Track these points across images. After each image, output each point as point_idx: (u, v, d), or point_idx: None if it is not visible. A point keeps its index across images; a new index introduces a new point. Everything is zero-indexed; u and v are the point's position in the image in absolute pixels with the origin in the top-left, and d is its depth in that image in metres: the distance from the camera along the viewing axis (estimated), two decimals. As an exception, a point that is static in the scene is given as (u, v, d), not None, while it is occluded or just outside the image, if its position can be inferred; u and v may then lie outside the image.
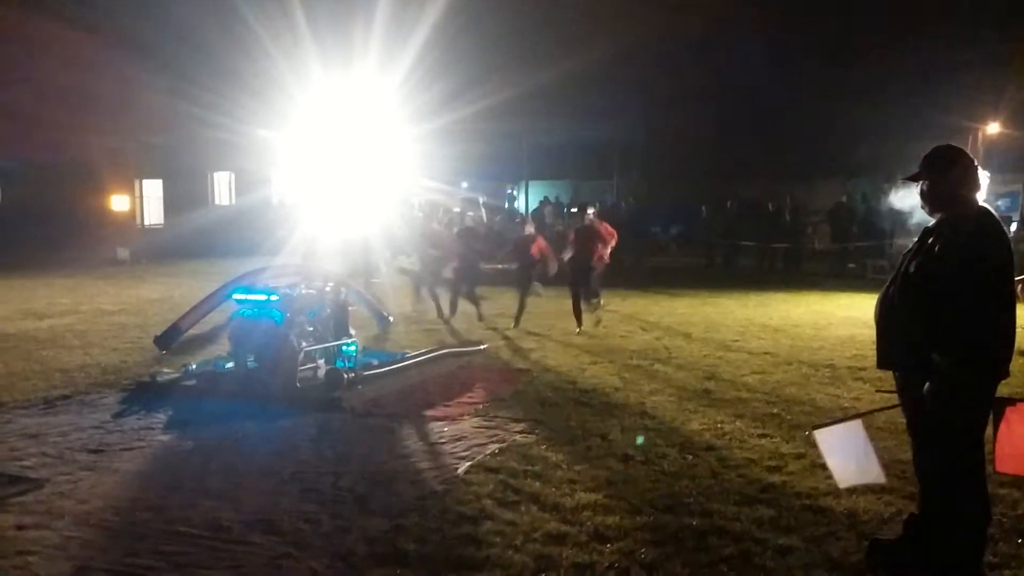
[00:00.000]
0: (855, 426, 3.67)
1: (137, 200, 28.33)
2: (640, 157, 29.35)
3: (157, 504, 4.40)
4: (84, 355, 8.52)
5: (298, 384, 6.58)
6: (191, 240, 22.67)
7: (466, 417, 6.05)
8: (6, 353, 8.63)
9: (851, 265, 18.79)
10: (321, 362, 6.95)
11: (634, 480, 4.68)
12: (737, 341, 9.33)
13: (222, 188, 27.83)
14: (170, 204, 27.42)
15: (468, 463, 4.99)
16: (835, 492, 4.24)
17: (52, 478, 4.75)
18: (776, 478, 4.70)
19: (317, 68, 19.82)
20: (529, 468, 4.85)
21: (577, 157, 29.40)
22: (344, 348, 7.04)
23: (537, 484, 4.59)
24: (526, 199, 30.34)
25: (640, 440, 5.32)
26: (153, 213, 28.32)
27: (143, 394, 6.77)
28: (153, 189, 28.35)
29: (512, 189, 31.83)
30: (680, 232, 23.77)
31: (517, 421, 5.91)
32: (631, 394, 6.74)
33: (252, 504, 4.37)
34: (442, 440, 5.52)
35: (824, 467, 4.11)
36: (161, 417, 6.08)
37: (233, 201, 27.15)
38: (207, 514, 4.22)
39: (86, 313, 12.10)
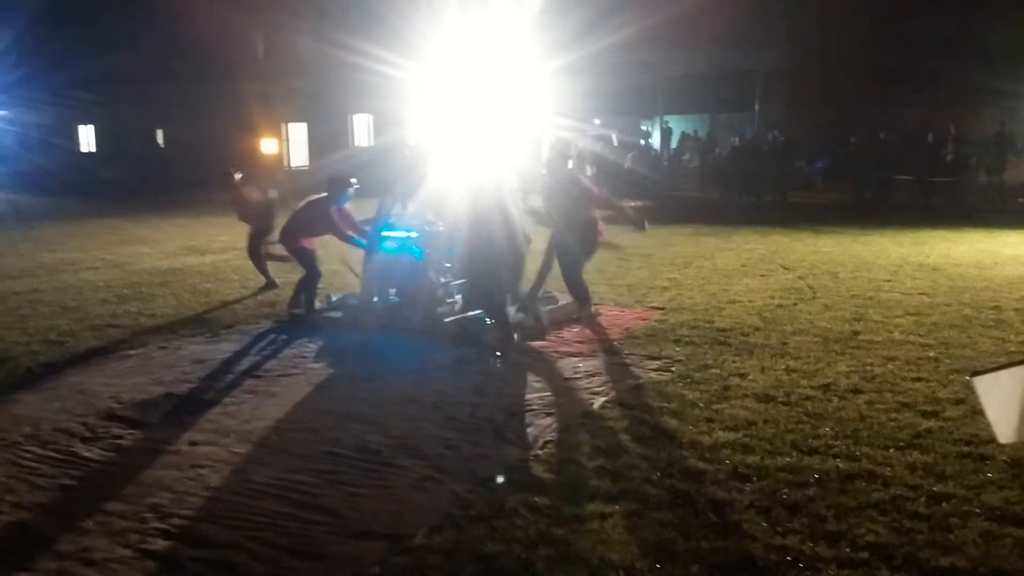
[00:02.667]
0: (1021, 373, 3.39)
1: (284, 143, 29.64)
2: (783, 86, 27.75)
3: (311, 426, 4.69)
4: (242, 288, 9.12)
5: (437, 318, 6.77)
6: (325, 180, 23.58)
7: (600, 354, 6.06)
8: (174, 286, 9.34)
9: (1021, 199, 17.30)
10: (459, 297, 7.10)
11: (775, 421, 4.55)
12: (889, 281, 8.80)
13: (361, 130, 28.65)
14: (314, 146, 28.55)
15: (603, 398, 5.01)
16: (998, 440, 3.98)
17: (219, 400, 5.15)
18: (931, 423, 4.45)
19: (452, 4, 19.80)
20: (665, 405, 4.82)
21: (715, 88, 28.17)
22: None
23: (673, 422, 4.56)
24: (661, 134, 29.51)
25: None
26: (299, 155, 29.57)
27: (295, 325, 7.18)
28: (298, 132, 29.55)
29: (647, 125, 30.99)
30: (827, 166, 22.50)
31: (652, 359, 5.86)
32: (772, 334, 6.52)
33: (396, 429, 4.58)
34: (576, 375, 5.56)
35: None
36: (312, 347, 6.43)
37: (372, 142, 27.93)
38: (356, 437, 4.46)
39: (242, 250, 12.87)
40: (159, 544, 3.32)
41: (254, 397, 5.23)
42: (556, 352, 6.15)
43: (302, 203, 7.97)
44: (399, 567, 3.15)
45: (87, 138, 33.87)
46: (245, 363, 6.02)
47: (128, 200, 22.62)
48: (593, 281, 8.90)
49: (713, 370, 5.53)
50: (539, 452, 4.19)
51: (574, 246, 6.87)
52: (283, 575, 3.11)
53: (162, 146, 31.25)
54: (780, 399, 4.91)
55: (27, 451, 4.33)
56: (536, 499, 3.64)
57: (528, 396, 5.14)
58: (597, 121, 26.27)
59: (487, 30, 19.89)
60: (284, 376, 5.69)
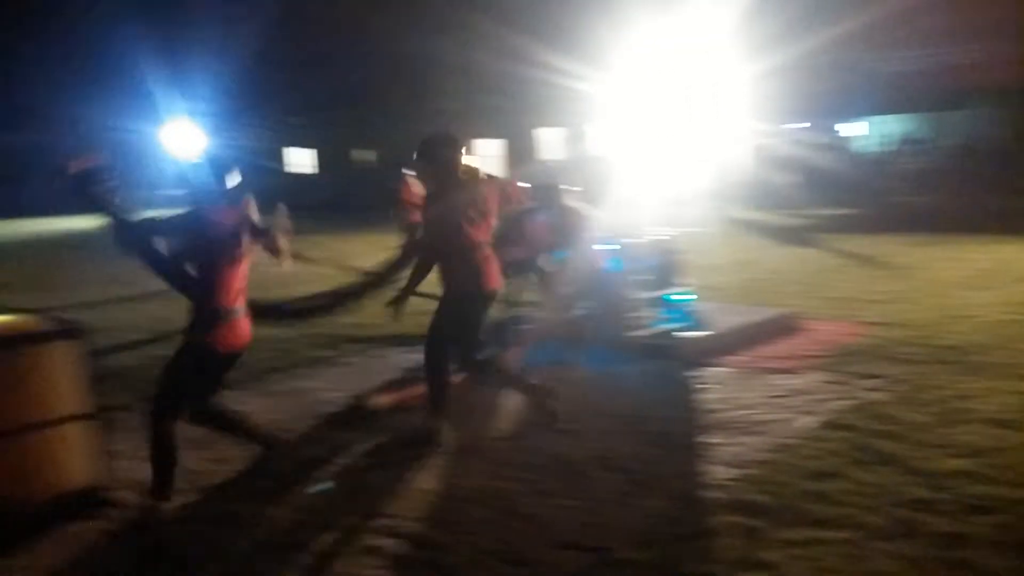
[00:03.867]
0: None
1: (475, 158, 30.77)
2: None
3: (511, 436, 4.80)
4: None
5: (629, 332, 6.72)
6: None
7: (809, 370, 5.75)
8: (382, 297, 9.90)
9: None
10: (652, 311, 7.01)
11: (1012, 448, 4.11)
12: None
13: (549, 143, 29.15)
14: (503, 161, 29.40)
15: (816, 418, 4.74)
16: None
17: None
18: None
19: (640, 12, 19.67)
20: (884, 428, 4.48)
21: (929, 86, 25.97)
22: (674, 297, 7.02)
23: (894, 445, 4.23)
24: (870, 136, 27.58)
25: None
26: (492, 170, 30.58)
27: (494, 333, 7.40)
28: (488, 148, 30.58)
29: (846, 125, 29.06)
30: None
31: (868, 377, 5.48)
32: (1004, 353, 5.90)
33: (594, 442, 4.58)
34: (783, 393, 5.30)
35: None
36: (509, 360, 6.57)
37: (556, 156, 28.33)
38: (554, 447, 4.51)
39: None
40: (380, 541, 3.52)
41: (455, 405, 5.42)
42: (760, 368, 5.90)
43: (507, 215, 8.13)
44: (604, 580, 3.14)
45: (304, 160, 36.89)
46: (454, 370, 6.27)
47: (341, 218, 24.35)
48: (801, 293, 8.50)
49: (937, 391, 5.09)
50: (747, 472, 4.03)
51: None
52: (491, 580, 3.20)
53: (358, 166, 33.39)
54: (1017, 425, 4.43)
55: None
56: (744, 520, 3.51)
57: (731, 414, 4.96)
58: (806, 124, 24.86)
59: (680, 37, 19.55)
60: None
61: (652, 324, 6.94)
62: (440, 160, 4.72)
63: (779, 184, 19.27)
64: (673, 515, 3.65)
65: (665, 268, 7.31)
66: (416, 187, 9.90)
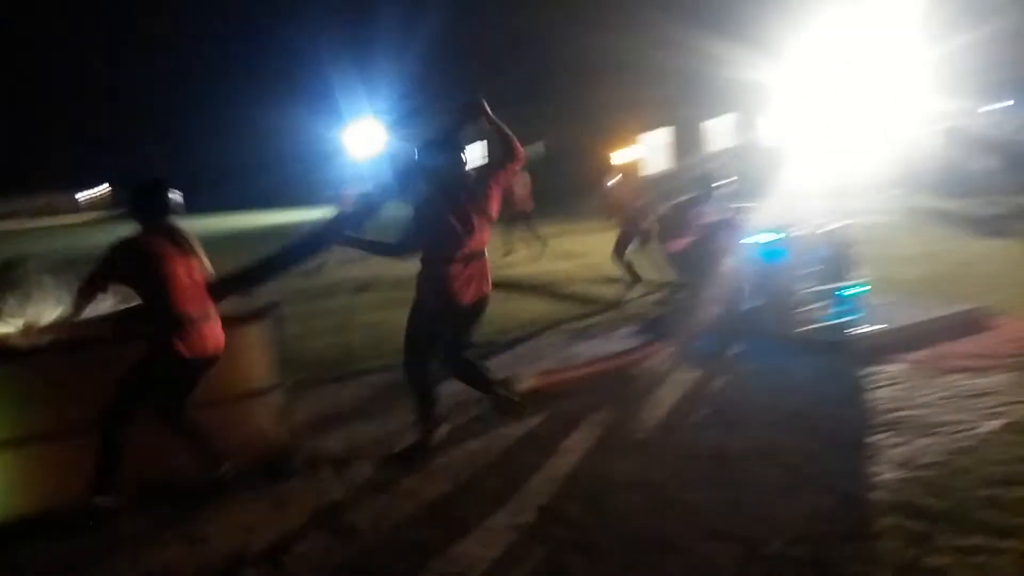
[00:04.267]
0: None
1: (643, 149, 30.41)
2: None
3: (667, 426, 4.78)
4: (607, 290, 9.55)
5: (799, 326, 6.46)
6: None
7: (997, 370, 5.29)
8: (545, 289, 10.10)
9: None
10: (822, 304, 6.70)
11: None
12: None
13: (716, 134, 28.35)
14: (672, 151, 28.88)
15: (1001, 421, 4.37)
16: None
17: (574, 392, 5.45)
18: None
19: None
20: (1085, 434, 4.08)
21: None
22: (846, 291, 6.68)
23: (1095, 454, 3.84)
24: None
25: None
26: (658, 161, 30.12)
27: (652, 326, 7.36)
28: (655, 139, 30.14)
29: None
30: None
31: (1066, 378, 4.98)
32: None
33: (753, 436, 4.47)
34: (966, 393, 4.91)
35: None
36: (673, 350, 6.51)
37: (730, 144, 27.48)
38: (711, 440, 4.45)
39: (605, 254, 13.52)
40: (529, 518, 3.63)
41: (611, 393, 5.47)
42: (942, 367, 5.50)
43: (668, 206, 8.10)
44: (754, 572, 3.08)
45: (476, 155, 38.02)
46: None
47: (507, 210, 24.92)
48: (994, 287, 7.81)
49: None
50: (916, 474, 3.80)
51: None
52: (638, 563, 3.22)
53: (544, 157, 33.91)
54: None
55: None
56: (909, 523, 3.32)
57: (906, 413, 4.67)
58: (1009, 102, 22.47)
59: (861, 13, 18.40)
60: (641, 375, 5.86)
61: (823, 318, 6.64)
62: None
63: (973, 169, 17.67)
64: (834, 513, 3.51)
65: (838, 260, 6.96)
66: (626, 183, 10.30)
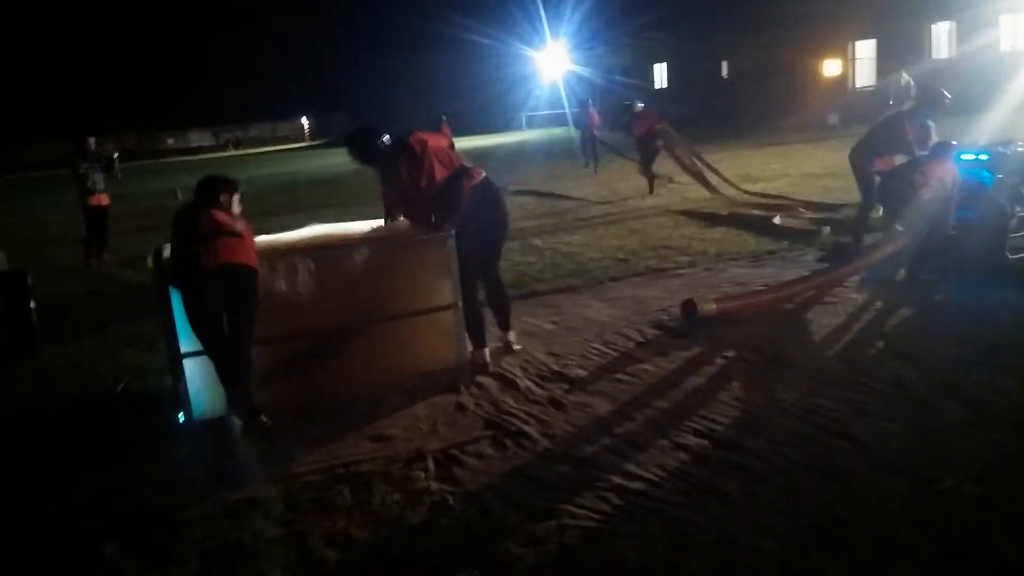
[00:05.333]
0: None
1: (849, 63, 28.15)
2: None
3: (844, 355, 4.64)
4: (786, 216, 9.17)
5: (1007, 253, 5.93)
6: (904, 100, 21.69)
7: None
8: (725, 216, 9.84)
9: None
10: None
11: None
12: None
13: (941, 40, 25.56)
14: (883, 64, 26.47)
15: None
16: None
17: (750, 320, 5.37)
18: None
19: None
20: None
21: None
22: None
23: None
24: None
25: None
26: (864, 75, 27.80)
27: (835, 252, 7.02)
28: (865, 50, 27.72)
29: None
30: None
31: None
32: None
33: (938, 369, 4.24)
34: None
35: None
36: (855, 277, 6.20)
37: (953, 53, 24.78)
38: (892, 372, 4.27)
39: (794, 176, 12.87)
40: (690, 440, 3.71)
41: (785, 320, 5.34)
42: None
43: (880, 119, 7.50)
44: (922, 507, 2.99)
45: (660, 76, 36.88)
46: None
47: (692, 133, 24.11)
48: None
49: None
50: (1122, 416, 3.48)
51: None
52: (799, 490, 3.21)
53: (725, 78, 32.39)
54: None
55: (593, 347, 5.17)
56: (1110, 468, 3.07)
57: (1122, 350, 4.24)
58: None
59: None
60: (819, 303, 5.66)
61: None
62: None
63: None
64: (1018, 452, 3.31)
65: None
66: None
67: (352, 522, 3.24)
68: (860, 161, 7.10)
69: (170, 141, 56.97)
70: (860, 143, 7.22)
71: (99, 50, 55.31)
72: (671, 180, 13.22)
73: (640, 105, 13.39)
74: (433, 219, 4.69)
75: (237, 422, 4.18)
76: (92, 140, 10.46)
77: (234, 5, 56.21)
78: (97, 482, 3.82)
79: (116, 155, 10.94)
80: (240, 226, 4.20)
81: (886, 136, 6.99)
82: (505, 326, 5.24)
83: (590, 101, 19.44)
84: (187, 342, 4.20)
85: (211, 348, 4.09)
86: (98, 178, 10.21)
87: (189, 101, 56.46)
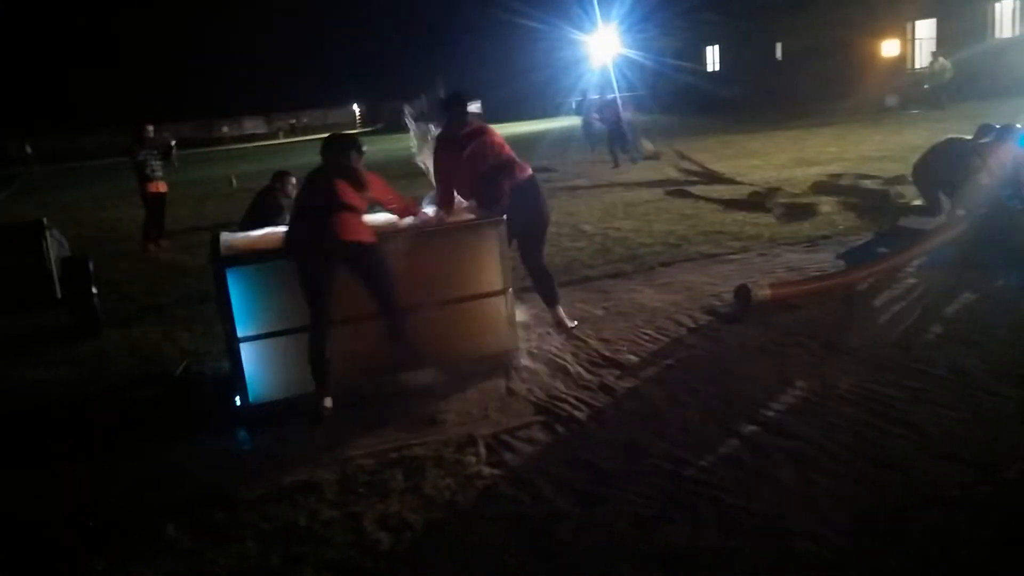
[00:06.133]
0: None
1: (908, 43, 27.31)
2: None
3: (903, 341, 4.52)
4: (844, 199, 8.96)
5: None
6: (965, 80, 20.99)
7: None
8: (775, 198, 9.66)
9: None
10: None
11: None
12: None
13: (1004, 18, 24.62)
14: (943, 43, 25.62)
15: None
16: None
17: (807, 305, 5.27)
18: None
19: None
20: None
21: None
22: None
23: None
24: None
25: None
26: (924, 55, 26.94)
27: (896, 237, 6.83)
28: (925, 30, 26.85)
29: None
30: None
31: None
32: None
33: (1001, 355, 4.13)
34: None
35: None
36: (916, 261, 6.05)
37: (1017, 32, 23.86)
38: (951, 358, 4.16)
39: (851, 160, 12.55)
40: (742, 426, 3.66)
41: (842, 306, 5.23)
42: None
43: (945, 141, 6.86)
44: (983, 495, 2.92)
45: (712, 58, 36.26)
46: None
47: (746, 115, 23.72)
48: None
49: None
50: None
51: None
52: (856, 477, 3.15)
53: (779, 59, 31.72)
54: None
55: (644, 332, 5.13)
56: None
57: None
58: None
59: None
60: (876, 289, 5.53)
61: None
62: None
63: None
64: (1087, 442, 3.20)
65: None
66: None
67: (405, 505, 3.28)
68: (923, 183, 6.71)
69: (225, 129, 57.99)
70: (923, 162, 6.72)
71: (156, 39, 56.55)
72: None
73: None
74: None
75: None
76: (150, 128, 10.73)
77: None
78: (157, 461, 3.94)
79: (174, 143, 11.21)
80: (361, 196, 4.35)
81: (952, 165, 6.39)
82: (552, 303, 5.28)
83: (587, 92, 20.15)
84: (244, 326, 4.29)
85: (315, 323, 4.23)
86: (156, 165, 10.47)
87: (243, 89, 57.45)
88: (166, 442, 4.16)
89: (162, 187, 10.56)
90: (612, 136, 15.75)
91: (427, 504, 3.28)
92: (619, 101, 16.69)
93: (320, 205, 4.25)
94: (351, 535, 3.11)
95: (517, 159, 5.01)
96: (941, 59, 21.04)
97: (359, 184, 4.35)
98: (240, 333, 4.30)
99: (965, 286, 5.40)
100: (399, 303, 4.37)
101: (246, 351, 4.33)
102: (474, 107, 4.89)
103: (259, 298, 4.35)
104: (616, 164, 15.28)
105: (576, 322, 5.29)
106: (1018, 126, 6.19)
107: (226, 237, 4.70)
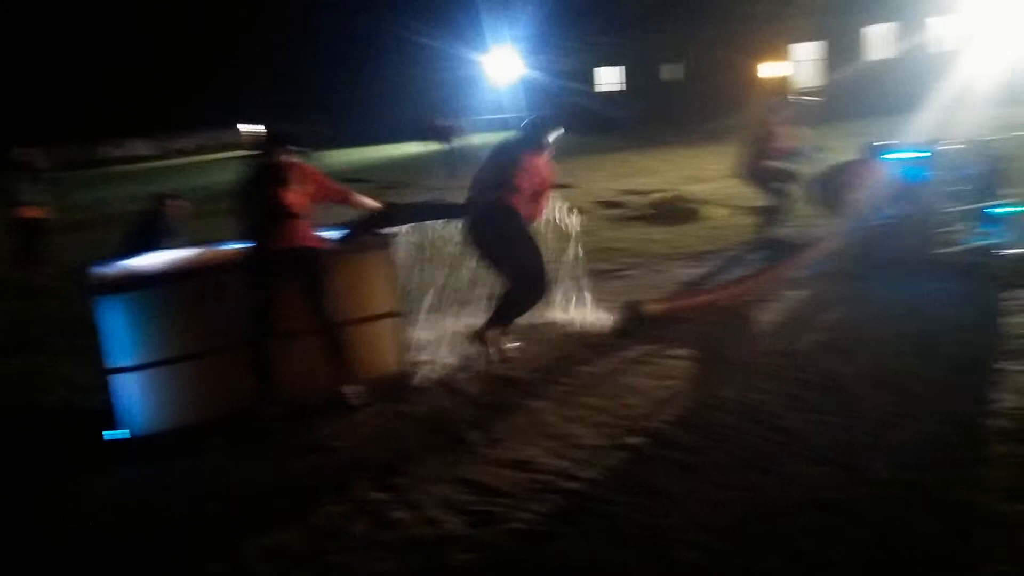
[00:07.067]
0: None
1: (791, 64, 28.68)
2: None
3: (782, 350, 4.72)
4: (729, 213, 9.32)
5: (935, 248, 6.09)
6: (845, 100, 22.22)
7: None
8: (674, 213, 9.95)
9: None
10: (963, 225, 6.27)
11: None
12: None
13: (878, 41, 26.24)
14: (824, 65, 27.07)
15: None
16: None
17: (693, 318, 5.43)
18: None
19: None
20: None
21: None
22: (992, 211, 6.21)
23: None
24: None
25: None
26: (807, 76, 28.36)
27: (774, 250, 7.15)
28: (807, 52, 28.29)
29: None
30: None
31: None
32: None
33: (871, 361, 4.36)
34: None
35: None
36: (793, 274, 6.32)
37: (890, 55, 25.46)
38: (824, 366, 4.36)
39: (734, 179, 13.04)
40: (631, 439, 3.73)
41: (725, 318, 5.42)
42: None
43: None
44: (855, 496, 3.06)
45: (609, 79, 37.13)
46: (710, 284, 6.25)
47: (639, 135, 24.38)
48: None
49: None
50: (1038, 402, 3.61)
51: None
52: (737, 484, 3.25)
53: (668, 80, 32.76)
54: None
55: (537, 349, 5.18)
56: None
57: (1038, 341, 4.40)
58: None
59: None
60: (758, 300, 5.75)
61: (966, 240, 6.24)
62: None
63: None
64: (947, 440, 3.41)
65: (987, 177, 6.47)
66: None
67: (290, 536, 3.19)
68: (817, 201, 7.25)
69: (112, 150, 55.56)
70: (815, 182, 7.29)
71: (40, 57, 53.85)
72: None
73: None
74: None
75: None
76: (20, 151, 10.15)
77: (173, 13, 55.13)
78: (33, 499, 3.71)
79: (43, 166, 10.62)
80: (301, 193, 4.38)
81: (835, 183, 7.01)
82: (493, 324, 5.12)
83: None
84: (120, 357, 4.10)
85: (259, 332, 4.26)
86: (26, 189, 9.90)
87: (132, 110, 55.30)
88: (42, 479, 3.93)
89: (36, 212, 9.99)
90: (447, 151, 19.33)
91: (313, 533, 3.20)
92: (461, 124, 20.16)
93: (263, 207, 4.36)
94: (233, 569, 3.00)
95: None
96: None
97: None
98: (118, 364, 4.11)
99: (838, 296, 5.68)
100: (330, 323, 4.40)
101: (126, 382, 4.14)
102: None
103: (139, 327, 4.17)
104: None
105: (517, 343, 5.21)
106: (881, 143, 6.65)
107: (106, 263, 4.50)
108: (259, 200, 4.37)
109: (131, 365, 4.12)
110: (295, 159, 4.51)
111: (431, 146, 22.29)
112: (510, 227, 4.87)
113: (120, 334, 4.10)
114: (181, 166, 40.75)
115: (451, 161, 19.03)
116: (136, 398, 4.15)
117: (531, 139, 5.07)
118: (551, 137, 5.07)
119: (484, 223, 4.93)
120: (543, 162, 5.00)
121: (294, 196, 4.35)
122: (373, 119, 37.65)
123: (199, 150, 55.62)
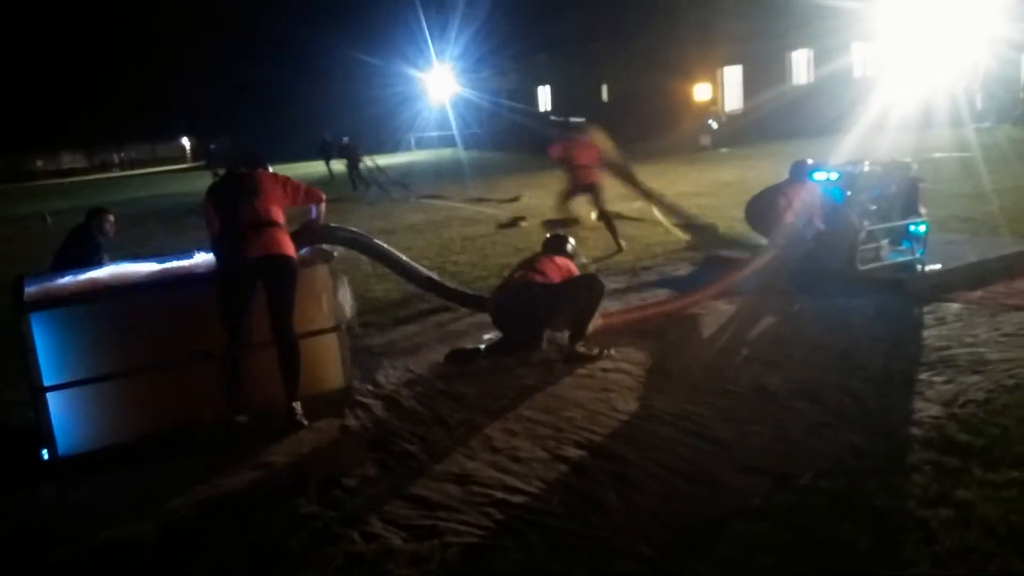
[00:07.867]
0: None
1: (719, 87, 29.57)
2: None
3: (711, 363, 4.87)
4: (665, 233, 9.54)
5: (858, 265, 6.38)
6: (769, 122, 22.98)
7: (1060, 309, 5.17)
8: (602, 231, 10.12)
9: None
10: (884, 242, 6.59)
11: None
12: None
13: (799, 67, 27.26)
14: (749, 88, 27.98)
15: (1052, 359, 4.32)
16: None
17: (631, 333, 5.57)
18: None
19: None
20: None
21: None
22: (911, 229, 6.54)
23: None
24: None
25: None
26: (733, 98, 29.27)
27: (712, 267, 7.37)
28: (733, 75, 29.21)
29: None
30: None
31: None
32: None
33: (798, 374, 4.53)
34: (1022, 332, 4.85)
35: None
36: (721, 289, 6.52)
37: (812, 78, 26.47)
38: (755, 377, 4.53)
39: (670, 196, 13.36)
40: (570, 452, 3.81)
41: (661, 332, 5.56)
42: (1001, 305, 5.41)
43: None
44: (782, 504, 3.18)
45: (544, 98, 37.65)
46: (645, 299, 6.39)
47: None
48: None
49: None
50: (957, 411, 3.82)
51: None
52: (671, 494, 3.36)
53: (605, 101, 33.39)
54: None
55: (479, 365, 5.22)
56: (944, 459, 3.36)
57: (957, 351, 4.64)
58: None
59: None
60: (691, 315, 5.92)
61: (890, 256, 6.54)
62: None
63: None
64: (869, 449, 3.57)
65: (902, 197, 6.81)
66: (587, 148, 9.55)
67: (229, 554, 3.16)
68: (752, 221, 7.43)
69: (40, 163, 53.68)
70: (750, 204, 7.40)
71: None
72: None
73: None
74: None
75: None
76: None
77: (111, 22, 53.72)
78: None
79: None
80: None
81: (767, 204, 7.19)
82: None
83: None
84: (52, 374, 4.00)
85: (233, 341, 4.28)
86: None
87: (61, 121, 53.48)
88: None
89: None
90: (351, 170, 21.39)
91: (254, 550, 3.17)
92: (351, 143, 21.89)
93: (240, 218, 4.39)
94: (171, 590, 2.96)
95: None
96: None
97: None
98: (48, 381, 4.01)
99: (768, 311, 5.89)
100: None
101: (55, 400, 4.04)
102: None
103: (69, 344, 4.07)
104: (355, 188, 20.70)
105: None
106: (809, 161, 6.95)
107: (34, 280, 4.39)
108: (231, 209, 4.38)
109: (65, 382, 4.01)
110: (265, 168, 4.62)
111: (337, 165, 23.38)
112: (533, 295, 5.26)
113: (53, 351, 4.00)
114: (112, 180, 39.65)
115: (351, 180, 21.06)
116: (70, 416, 4.05)
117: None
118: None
119: (514, 310, 5.34)
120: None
121: (268, 204, 4.39)
122: (299, 137, 37.33)
123: (131, 164, 54.29)
